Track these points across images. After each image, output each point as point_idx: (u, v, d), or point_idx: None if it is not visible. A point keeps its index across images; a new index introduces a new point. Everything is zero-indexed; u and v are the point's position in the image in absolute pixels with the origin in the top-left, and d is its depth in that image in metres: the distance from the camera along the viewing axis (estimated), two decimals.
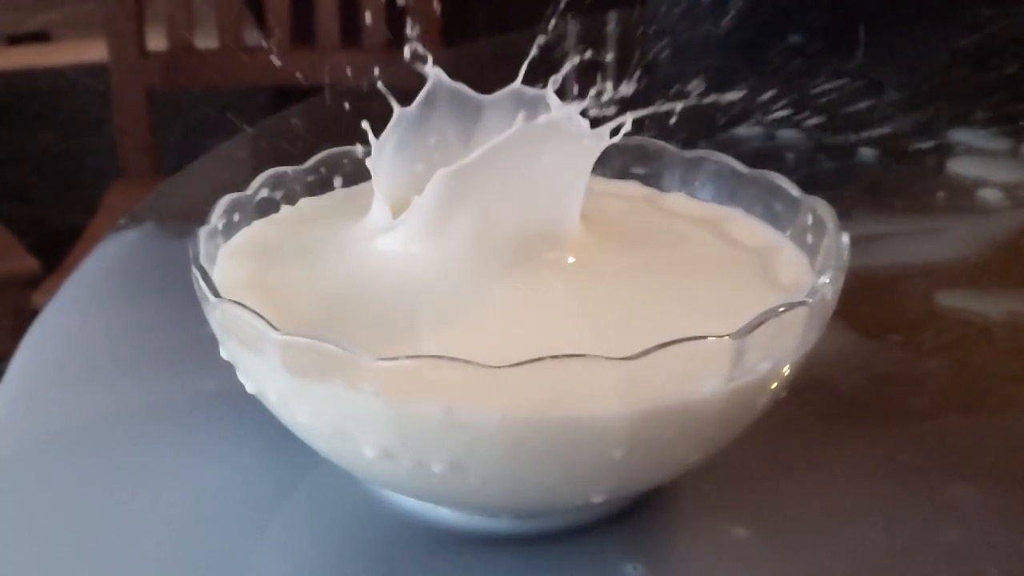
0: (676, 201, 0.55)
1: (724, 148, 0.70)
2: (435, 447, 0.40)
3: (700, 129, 0.88)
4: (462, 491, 0.42)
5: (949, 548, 0.46)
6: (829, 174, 0.81)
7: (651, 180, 0.56)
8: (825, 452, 0.51)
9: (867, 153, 0.82)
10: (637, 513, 0.47)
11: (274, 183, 0.52)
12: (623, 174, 0.56)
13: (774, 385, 0.43)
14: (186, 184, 0.79)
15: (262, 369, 0.42)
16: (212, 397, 0.53)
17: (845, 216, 0.73)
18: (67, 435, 0.52)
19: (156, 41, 1.51)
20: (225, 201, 0.50)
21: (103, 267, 0.66)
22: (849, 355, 0.59)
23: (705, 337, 0.39)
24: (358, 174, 0.54)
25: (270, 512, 0.47)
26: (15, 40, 1.87)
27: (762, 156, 0.83)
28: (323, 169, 0.54)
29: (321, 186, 0.54)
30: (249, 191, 0.51)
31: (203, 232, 0.47)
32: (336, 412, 0.41)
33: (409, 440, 0.40)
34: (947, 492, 0.49)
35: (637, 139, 0.56)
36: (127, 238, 0.69)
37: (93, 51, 1.66)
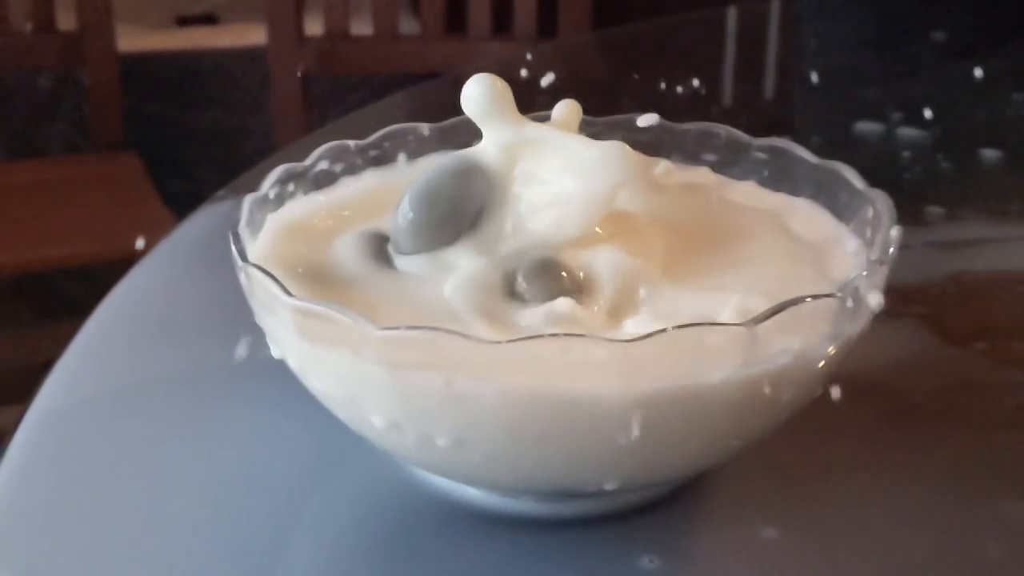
0: (745, 189, 0.53)
1: (840, 144, 0.67)
2: (437, 420, 0.40)
3: (819, 123, 0.85)
4: (468, 467, 0.42)
5: (992, 565, 0.43)
6: (946, 174, 0.77)
7: (721, 167, 0.54)
8: (877, 457, 0.49)
9: (990, 155, 0.78)
10: (662, 505, 0.45)
11: (334, 156, 0.52)
12: (694, 160, 0.55)
13: (799, 379, 0.41)
14: (291, 158, 0.80)
15: (280, 334, 0.42)
16: (271, 364, 0.54)
17: (953, 218, 0.70)
18: (130, 391, 0.54)
19: (314, 27, 1.54)
20: (279, 171, 0.50)
21: (193, 234, 0.68)
22: (927, 360, 0.56)
23: (713, 323, 0.38)
24: (423, 150, 0.54)
25: (312, 479, 0.48)
26: (184, 21, 1.94)
27: (880, 153, 0.80)
28: (387, 144, 0.54)
29: (384, 161, 0.54)
30: (307, 162, 0.52)
31: (249, 199, 0.48)
32: (345, 380, 0.41)
33: (412, 411, 0.40)
34: (1000, 508, 0.46)
35: (708, 125, 0.55)
36: (221, 208, 0.70)
37: (256, 34, 1.71)
